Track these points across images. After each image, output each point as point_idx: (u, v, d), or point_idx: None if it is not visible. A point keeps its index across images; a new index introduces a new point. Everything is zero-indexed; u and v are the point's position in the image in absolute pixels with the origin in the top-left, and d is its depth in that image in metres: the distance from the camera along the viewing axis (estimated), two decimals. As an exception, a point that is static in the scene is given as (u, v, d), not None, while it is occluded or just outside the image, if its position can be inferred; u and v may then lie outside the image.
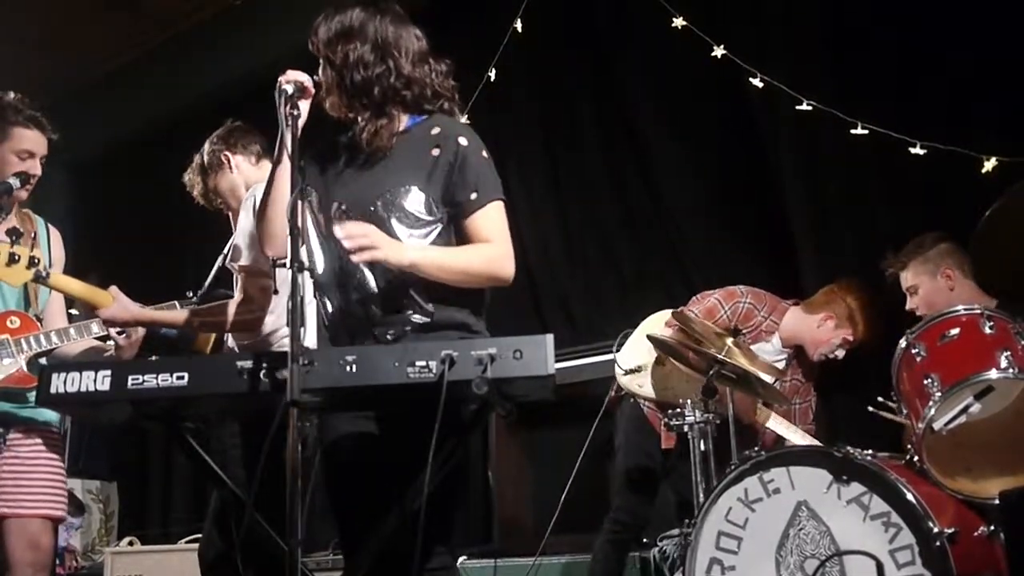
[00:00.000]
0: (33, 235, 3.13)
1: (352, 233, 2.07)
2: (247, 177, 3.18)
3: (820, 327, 3.68)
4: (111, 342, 3.00)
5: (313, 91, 2.22)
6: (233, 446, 2.75)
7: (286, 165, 2.10)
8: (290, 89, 2.13)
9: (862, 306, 3.66)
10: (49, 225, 3.26)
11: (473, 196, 2.20)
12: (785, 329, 3.73)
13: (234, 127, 3.27)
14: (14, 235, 2.81)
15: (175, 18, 6.70)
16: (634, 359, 3.79)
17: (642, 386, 3.73)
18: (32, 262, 2.77)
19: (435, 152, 2.22)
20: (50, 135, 3.10)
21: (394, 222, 2.18)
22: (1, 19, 6.09)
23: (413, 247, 2.15)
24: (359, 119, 2.27)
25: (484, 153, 2.25)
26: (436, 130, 2.25)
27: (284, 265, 1.89)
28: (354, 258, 2.08)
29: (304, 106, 2.19)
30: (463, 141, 2.23)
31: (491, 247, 2.19)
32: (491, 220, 2.21)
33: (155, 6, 6.56)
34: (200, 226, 6.24)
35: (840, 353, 3.68)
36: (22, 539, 2.93)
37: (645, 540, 3.90)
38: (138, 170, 7.14)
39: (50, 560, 3.04)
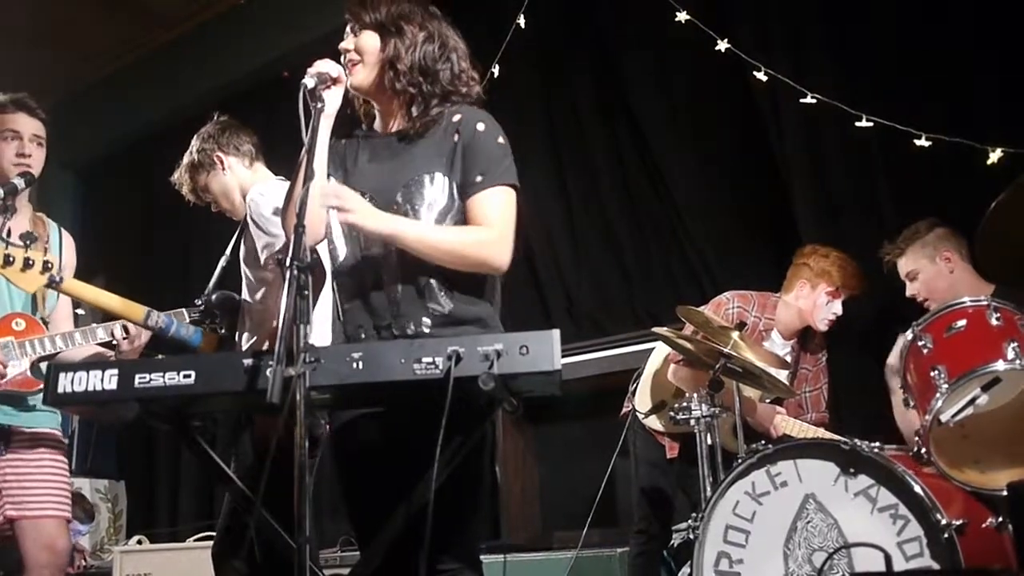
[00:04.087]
0: (47, 239, 3.13)
1: (326, 191, 2.05)
2: (241, 180, 3.12)
3: (801, 298, 3.71)
4: (116, 344, 2.99)
5: (344, 78, 2.21)
6: (245, 443, 2.75)
7: (304, 158, 2.08)
8: (311, 83, 2.12)
9: (824, 257, 3.71)
10: (62, 230, 3.26)
11: (479, 178, 2.18)
12: (780, 321, 3.75)
13: (225, 125, 3.19)
14: (28, 239, 2.79)
15: (179, 18, 6.72)
16: (649, 399, 3.85)
17: (664, 424, 3.78)
18: (46, 267, 2.74)
19: (455, 138, 2.22)
20: (39, 116, 3.10)
21: (421, 211, 2.18)
22: (5, 20, 6.10)
23: (395, 217, 2.13)
24: (412, 105, 2.26)
25: (500, 139, 2.24)
26: (457, 116, 2.25)
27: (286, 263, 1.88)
28: (334, 219, 2.04)
29: (333, 94, 2.18)
30: (480, 127, 2.22)
31: (484, 231, 2.16)
32: (491, 204, 2.18)
33: (159, 6, 6.58)
34: (205, 227, 6.27)
35: (837, 308, 3.69)
36: (38, 541, 2.93)
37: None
38: (142, 171, 7.14)
39: (65, 561, 3.05)
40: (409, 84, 2.24)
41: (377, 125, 2.36)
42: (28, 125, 3.07)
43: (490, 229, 2.16)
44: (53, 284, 2.78)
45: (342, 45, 2.30)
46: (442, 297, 2.16)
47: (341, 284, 2.28)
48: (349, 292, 2.25)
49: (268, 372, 1.84)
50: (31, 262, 2.72)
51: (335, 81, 2.18)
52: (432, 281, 2.16)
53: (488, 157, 2.20)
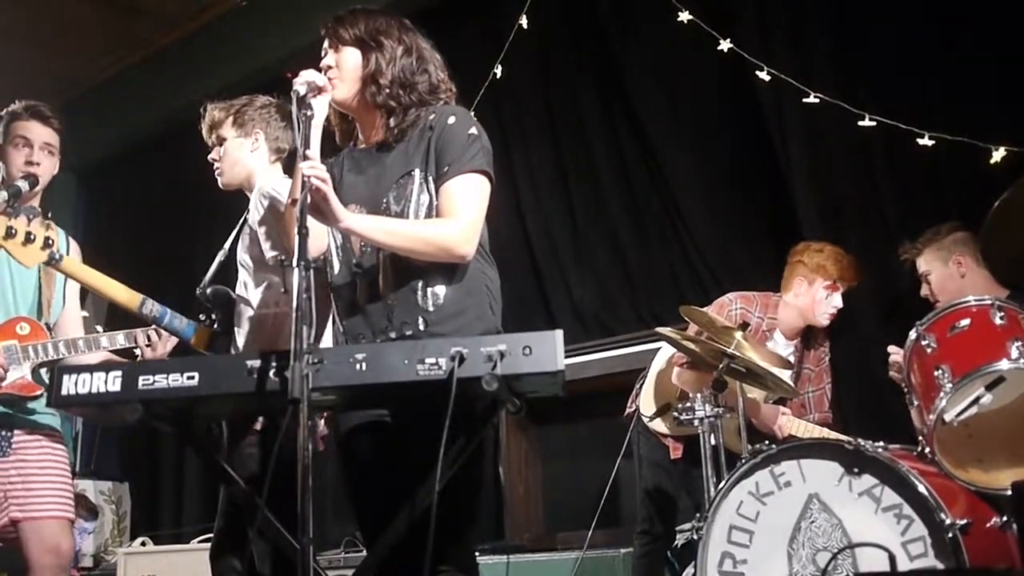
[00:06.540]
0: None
1: (312, 163, 2.04)
2: (257, 166, 2.97)
3: (800, 296, 3.72)
4: (137, 350, 2.96)
5: (329, 88, 2.24)
6: (249, 444, 2.74)
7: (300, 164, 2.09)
8: (302, 90, 2.15)
9: (818, 252, 3.71)
10: (70, 238, 3.24)
11: (446, 168, 2.23)
12: (782, 321, 3.75)
13: (284, 113, 3.02)
14: (31, 214, 2.76)
15: (179, 18, 6.72)
16: (653, 403, 3.85)
17: (668, 426, 3.78)
18: (47, 243, 2.69)
19: (430, 135, 2.27)
20: (53, 125, 3.09)
21: (411, 211, 2.22)
22: (6, 22, 6.11)
23: (356, 214, 2.16)
24: (391, 116, 2.30)
25: (472, 130, 2.27)
26: (432, 116, 2.31)
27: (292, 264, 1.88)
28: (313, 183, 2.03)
29: (320, 103, 2.21)
30: (451, 120, 2.27)
31: (445, 221, 2.19)
32: (456, 192, 2.21)
33: (159, 6, 6.58)
34: (205, 227, 6.27)
35: (837, 301, 3.70)
36: (41, 543, 2.91)
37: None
38: (142, 171, 7.16)
39: (69, 562, 3.04)
40: (390, 98, 2.29)
41: (359, 140, 2.40)
42: (39, 133, 3.06)
43: (452, 219, 2.19)
44: (53, 261, 2.73)
45: (323, 63, 2.33)
46: (434, 295, 2.20)
47: (338, 299, 2.32)
48: (346, 306, 2.29)
49: (272, 374, 1.84)
50: (32, 236, 2.67)
51: (321, 90, 2.22)
52: (422, 281, 2.20)
53: (456, 147, 2.24)
